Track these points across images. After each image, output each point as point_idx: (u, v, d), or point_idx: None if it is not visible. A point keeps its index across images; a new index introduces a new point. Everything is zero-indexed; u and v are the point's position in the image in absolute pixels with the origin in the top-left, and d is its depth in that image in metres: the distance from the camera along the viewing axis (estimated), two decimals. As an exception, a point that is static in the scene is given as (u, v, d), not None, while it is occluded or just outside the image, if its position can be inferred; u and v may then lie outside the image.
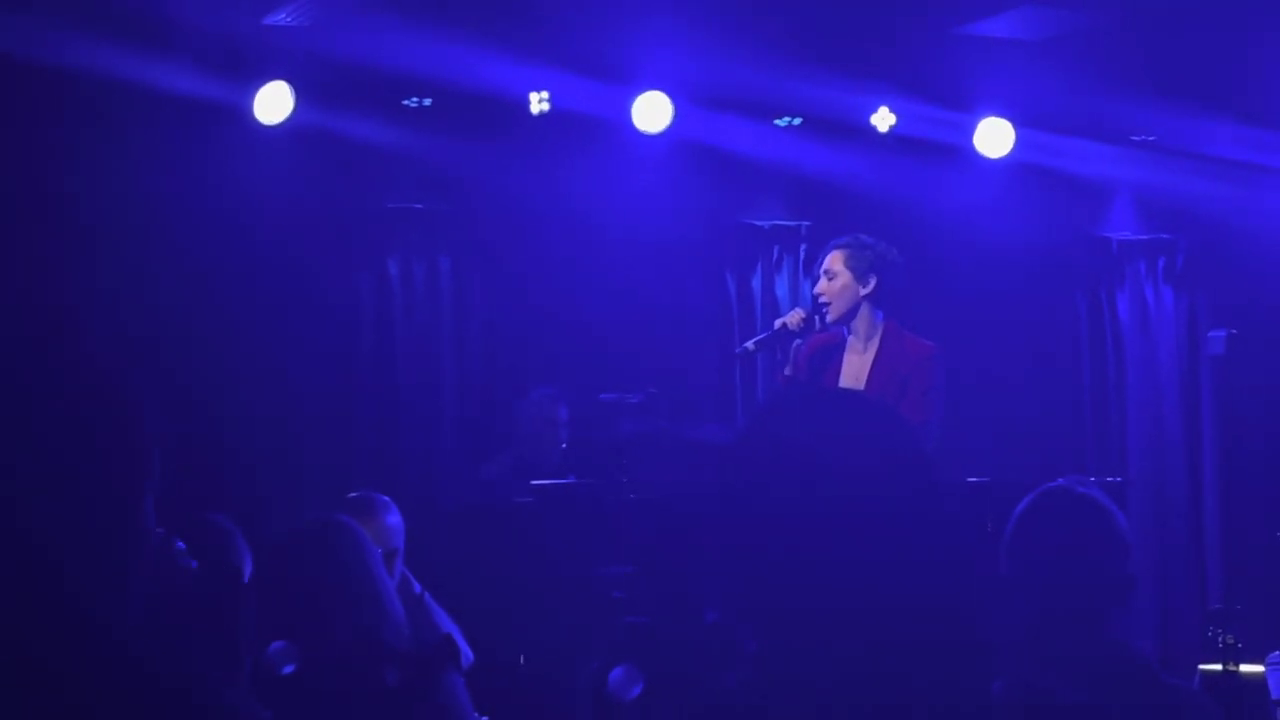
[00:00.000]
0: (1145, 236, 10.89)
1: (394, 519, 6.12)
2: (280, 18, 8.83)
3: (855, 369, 7.66)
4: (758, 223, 10.38)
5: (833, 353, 7.72)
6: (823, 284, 7.71)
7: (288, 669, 4.11)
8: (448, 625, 6.15)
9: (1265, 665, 7.32)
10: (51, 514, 2.56)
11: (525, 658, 7.69)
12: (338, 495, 6.28)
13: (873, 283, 7.63)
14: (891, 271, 7.66)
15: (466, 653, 5.96)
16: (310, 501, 7.22)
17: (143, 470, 2.65)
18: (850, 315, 7.66)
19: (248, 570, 4.41)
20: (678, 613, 6.90)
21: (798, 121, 10.06)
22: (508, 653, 7.52)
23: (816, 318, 7.73)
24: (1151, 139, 10.34)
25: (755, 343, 7.99)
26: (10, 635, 2.51)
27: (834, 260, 7.69)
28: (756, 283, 10.34)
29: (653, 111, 9.59)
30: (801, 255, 10.31)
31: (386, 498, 6.20)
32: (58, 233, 8.66)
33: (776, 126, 10.07)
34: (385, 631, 4.59)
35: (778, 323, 7.87)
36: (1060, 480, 4.18)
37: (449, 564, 7.26)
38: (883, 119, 10.00)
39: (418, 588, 6.18)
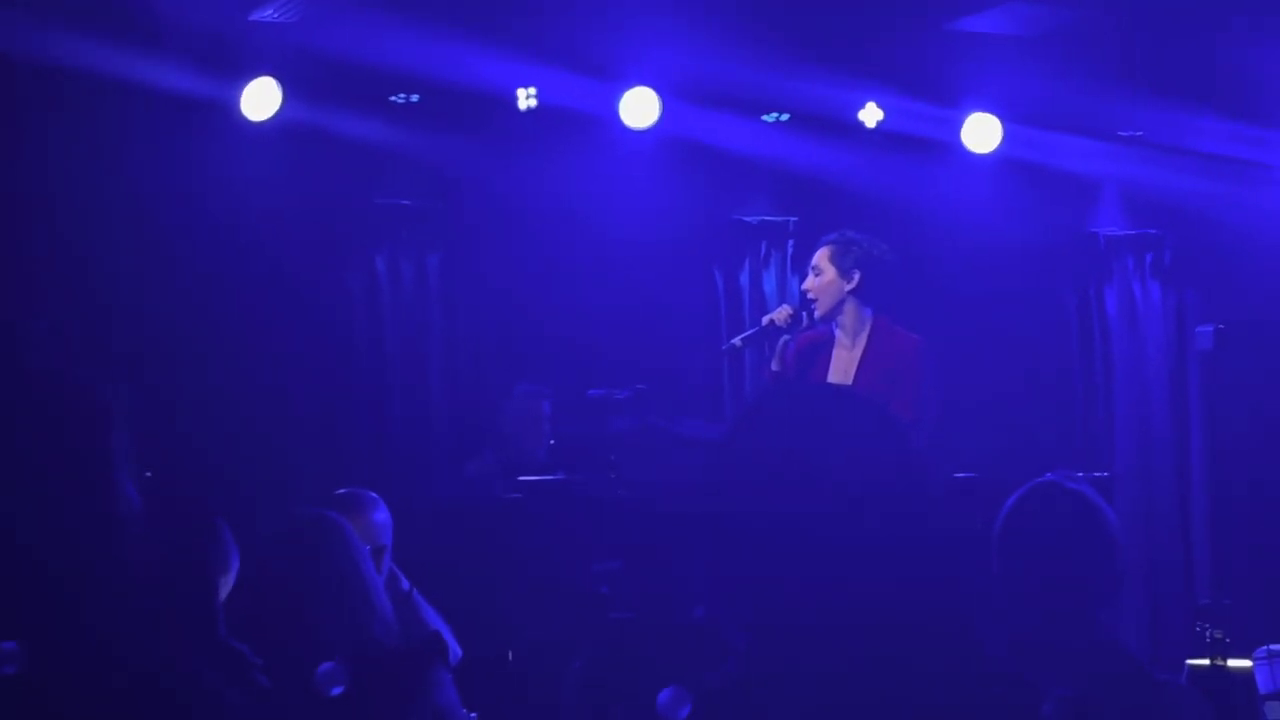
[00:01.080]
0: (1133, 232, 10.89)
1: (382, 515, 6.11)
2: (267, 13, 8.82)
3: (844, 365, 7.68)
4: (745, 219, 10.37)
5: (821, 349, 7.74)
6: (810, 280, 7.74)
7: (336, 690, 4.10)
8: (436, 622, 6.14)
9: (1253, 660, 7.33)
10: (24, 507, 2.57)
11: (513, 653, 7.68)
12: (326, 492, 6.28)
13: (856, 278, 7.65)
14: (877, 267, 7.68)
15: (455, 649, 5.95)
16: (298, 498, 7.21)
17: (109, 457, 2.67)
18: (836, 311, 7.68)
19: (235, 565, 4.40)
20: (665, 608, 6.90)
21: (785, 117, 10.06)
22: (496, 649, 7.51)
23: (804, 314, 7.75)
24: (1138, 134, 10.34)
25: (743, 339, 8.00)
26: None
27: (820, 257, 7.73)
28: (744, 279, 10.33)
29: (640, 107, 9.58)
30: (789, 251, 10.30)
31: (374, 494, 6.20)
32: (42, 229, 8.64)
33: (764, 122, 10.06)
34: (374, 628, 4.58)
35: (765, 319, 7.88)
36: (1049, 475, 4.17)
37: (437, 560, 7.25)
38: (870, 115, 10.00)
39: (406, 584, 6.17)
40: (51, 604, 2.61)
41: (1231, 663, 7.08)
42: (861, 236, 7.74)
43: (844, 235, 7.75)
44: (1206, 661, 7.08)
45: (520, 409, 9.18)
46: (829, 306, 7.67)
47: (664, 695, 2.99)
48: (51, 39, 8.31)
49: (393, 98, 9.42)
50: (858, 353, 7.66)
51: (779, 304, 8.69)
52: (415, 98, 9.43)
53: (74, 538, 2.63)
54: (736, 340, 8.05)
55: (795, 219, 10.33)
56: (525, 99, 9.44)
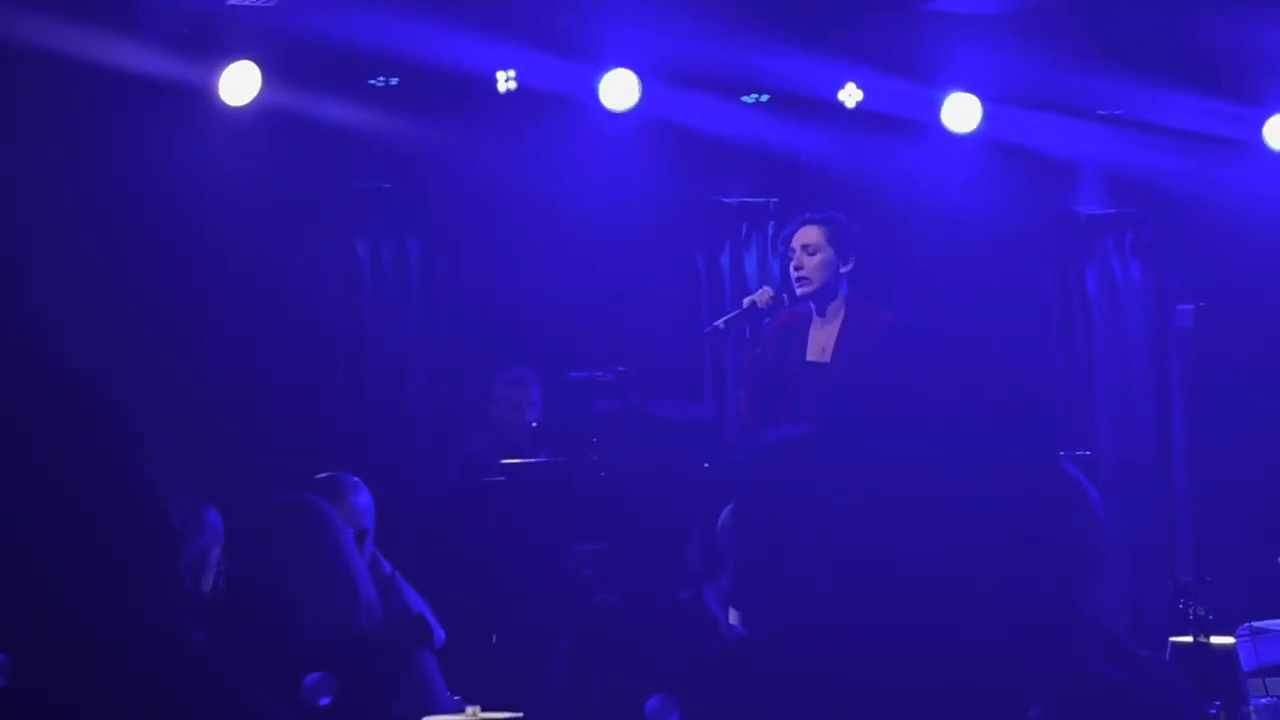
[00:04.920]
0: (1113, 211, 10.90)
1: (363, 499, 6.11)
2: (245, -3, 8.81)
3: (821, 341, 7.73)
4: (726, 200, 10.37)
5: (799, 326, 7.78)
6: (802, 258, 7.74)
7: (325, 700, 4.10)
8: (419, 605, 6.14)
9: (1235, 637, 7.34)
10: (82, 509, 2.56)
11: (497, 636, 7.69)
12: (308, 476, 6.27)
13: (853, 262, 7.72)
14: (866, 250, 7.76)
15: (438, 632, 5.96)
16: (280, 483, 7.20)
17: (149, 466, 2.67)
18: (829, 292, 7.72)
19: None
20: (648, 591, 6.90)
21: (765, 98, 10.05)
22: (479, 631, 7.52)
23: (785, 295, 7.78)
24: (1117, 113, 10.34)
25: (725, 321, 8.01)
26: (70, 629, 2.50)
27: (813, 235, 7.74)
28: (725, 260, 10.33)
29: (620, 89, 9.57)
30: (770, 232, 10.30)
31: (356, 478, 6.20)
32: (19, 216, 8.61)
33: (744, 103, 10.06)
34: (357, 612, 4.59)
35: (746, 301, 7.89)
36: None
37: (420, 543, 7.25)
38: (850, 95, 9.99)
39: (388, 568, 6.18)
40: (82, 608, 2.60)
41: (1215, 640, 7.09)
42: (846, 217, 7.79)
43: (834, 217, 7.79)
44: (1190, 639, 7.09)
45: (506, 393, 9.19)
46: (821, 285, 7.70)
47: (651, 703, 2.97)
48: (27, 23, 8.27)
49: (372, 81, 9.41)
50: (834, 327, 7.70)
51: (760, 285, 8.70)
52: (394, 81, 9.41)
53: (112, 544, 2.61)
54: (719, 323, 8.06)
55: (775, 200, 10.33)
56: (505, 81, 9.43)
